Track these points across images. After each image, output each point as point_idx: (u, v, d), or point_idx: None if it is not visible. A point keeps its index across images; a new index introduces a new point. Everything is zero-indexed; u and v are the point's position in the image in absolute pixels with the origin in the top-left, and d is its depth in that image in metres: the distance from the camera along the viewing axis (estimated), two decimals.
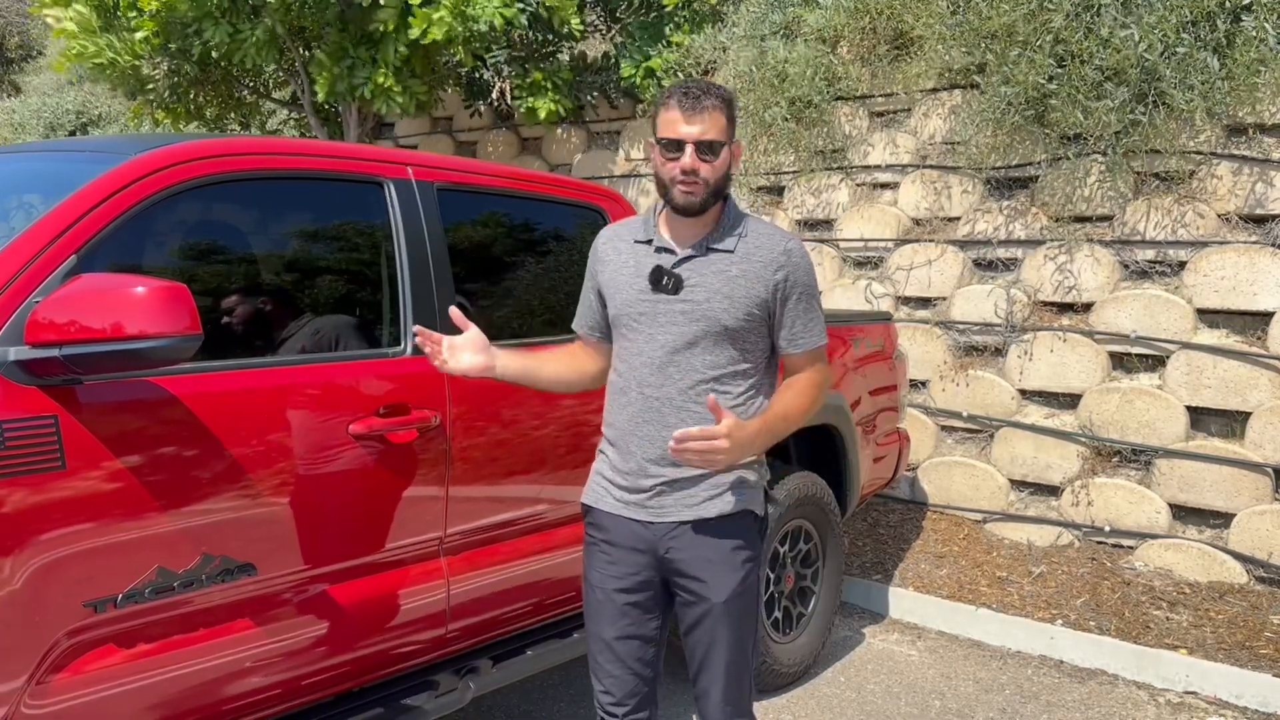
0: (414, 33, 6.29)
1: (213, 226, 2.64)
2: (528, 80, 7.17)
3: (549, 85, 7.14)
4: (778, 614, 4.07)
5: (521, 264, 3.38)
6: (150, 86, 7.61)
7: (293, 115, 9.16)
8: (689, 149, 2.22)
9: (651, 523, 2.34)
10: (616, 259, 2.40)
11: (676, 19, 7.16)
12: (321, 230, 2.85)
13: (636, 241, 2.38)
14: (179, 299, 2.07)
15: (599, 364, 2.54)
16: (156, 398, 2.28)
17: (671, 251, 2.33)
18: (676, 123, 2.23)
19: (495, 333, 3.11)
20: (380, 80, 6.70)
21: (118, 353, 2.07)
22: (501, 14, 6.23)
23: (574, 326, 2.58)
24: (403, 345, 2.84)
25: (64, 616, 2.14)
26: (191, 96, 8.00)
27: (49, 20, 7.29)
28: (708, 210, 2.30)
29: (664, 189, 2.29)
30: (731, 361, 2.32)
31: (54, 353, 2.08)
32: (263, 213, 2.74)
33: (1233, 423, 4.95)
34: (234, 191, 2.63)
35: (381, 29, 6.61)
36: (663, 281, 2.29)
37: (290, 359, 2.62)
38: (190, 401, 2.33)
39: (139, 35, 7.06)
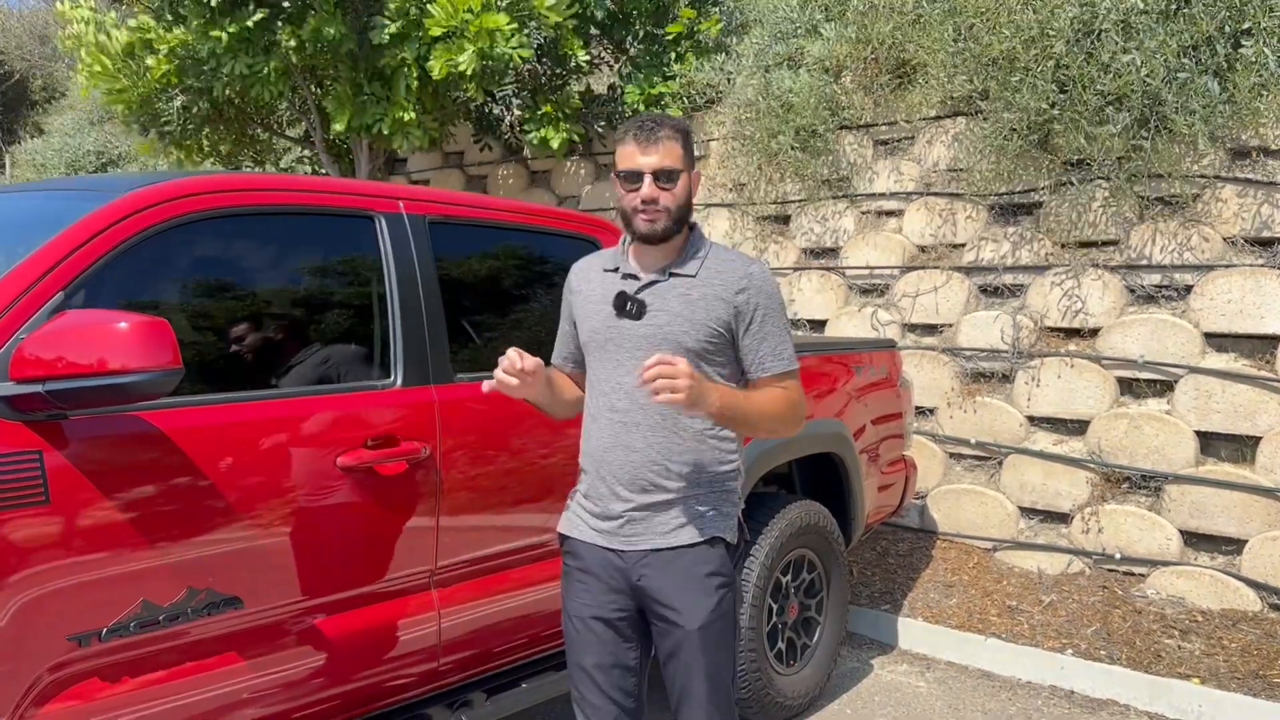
0: (436, 72, 6.30)
1: (202, 263, 2.66)
2: (538, 112, 7.23)
3: (560, 115, 7.20)
4: (781, 645, 4.03)
5: (514, 295, 3.40)
6: (165, 121, 7.71)
7: (305, 152, 9.26)
8: (647, 179, 2.29)
9: (624, 551, 2.37)
10: (587, 289, 2.46)
11: (679, 49, 7.22)
12: (312, 264, 2.87)
13: (605, 270, 2.44)
14: (160, 334, 2.09)
15: (579, 391, 2.58)
16: (142, 432, 2.30)
17: (635, 277, 2.38)
18: (634, 155, 2.30)
19: (489, 364, 3.14)
20: (398, 115, 6.76)
21: (100, 387, 2.09)
22: (519, 55, 6.29)
23: (552, 360, 2.61)
24: (392, 377, 2.85)
25: (47, 651, 2.15)
26: (205, 134, 8.10)
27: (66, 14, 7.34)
28: (671, 238, 2.35)
29: (627, 220, 2.35)
30: None
31: (38, 388, 2.11)
32: (253, 248, 2.76)
33: (1243, 447, 4.89)
34: (223, 227, 2.66)
35: (393, 66, 6.67)
36: (626, 307, 2.33)
37: (277, 392, 2.63)
38: (176, 436, 2.35)
39: (156, 73, 7.17)
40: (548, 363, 2.54)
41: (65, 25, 7.42)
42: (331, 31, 6.37)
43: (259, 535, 2.48)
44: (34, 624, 2.12)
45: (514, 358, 2.23)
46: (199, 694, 2.39)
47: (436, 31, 6.21)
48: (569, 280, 2.55)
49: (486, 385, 2.29)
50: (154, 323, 2.09)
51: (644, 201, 2.29)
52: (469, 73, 6.25)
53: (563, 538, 2.50)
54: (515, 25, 6.26)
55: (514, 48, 6.27)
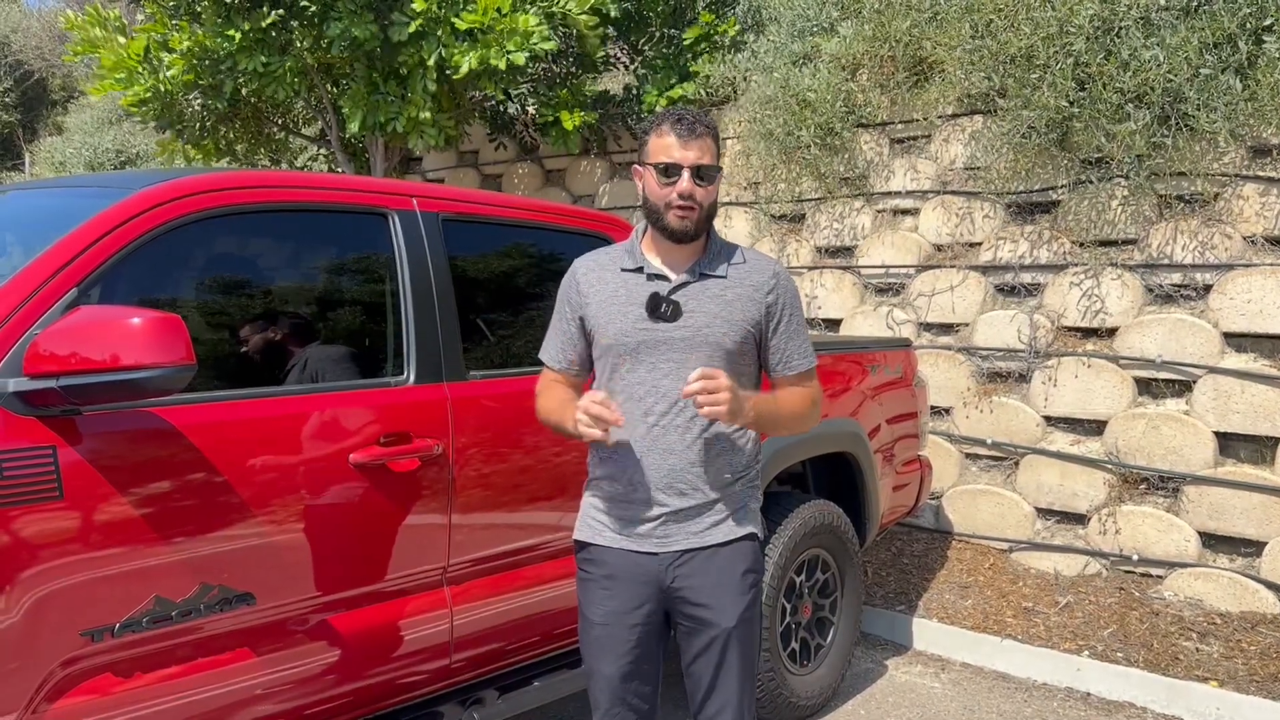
0: (463, 69, 6.26)
1: (216, 259, 2.67)
2: (552, 100, 7.21)
3: (575, 101, 7.19)
4: (795, 645, 4.01)
5: (527, 293, 3.39)
6: (182, 120, 7.73)
7: (321, 151, 9.29)
8: (686, 174, 2.24)
9: (656, 553, 2.34)
10: (604, 289, 2.36)
11: (696, 50, 7.21)
12: (326, 261, 2.87)
13: (624, 270, 2.36)
14: (173, 330, 2.09)
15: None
16: (156, 428, 2.30)
17: (665, 278, 2.32)
18: (672, 148, 2.24)
19: (501, 362, 3.14)
20: (413, 115, 6.75)
21: (114, 383, 2.09)
22: (543, 47, 6.28)
23: (547, 360, 2.49)
24: (405, 374, 2.84)
25: (60, 646, 2.16)
26: (222, 133, 8.13)
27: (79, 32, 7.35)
28: (700, 237, 2.32)
29: (656, 215, 2.29)
30: None
31: (52, 384, 2.11)
32: (266, 245, 2.77)
33: (1262, 448, 4.84)
34: (237, 224, 2.66)
35: (409, 64, 6.67)
36: (661, 309, 2.27)
37: (291, 389, 2.63)
38: (190, 432, 2.35)
39: (171, 73, 7.19)
40: (540, 363, 2.51)
41: (74, 36, 7.42)
42: (359, 33, 6.37)
43: (272, 531, 2.48)
44: (47, 619, 2.13)
45: (606, 406, 2.12)
46: (212, 690, 2.39)
47: (464, 26, 6.18)
48: (574, 279, 2.42)
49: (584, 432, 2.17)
50: (167, 319, 2.09)
51: (681, 196, 2.23)
52: (497, 69, 6.22)
53: (582, 544, 2.44)
54: (543, 25, 6.24)
55: (544, 47, 6.26)
